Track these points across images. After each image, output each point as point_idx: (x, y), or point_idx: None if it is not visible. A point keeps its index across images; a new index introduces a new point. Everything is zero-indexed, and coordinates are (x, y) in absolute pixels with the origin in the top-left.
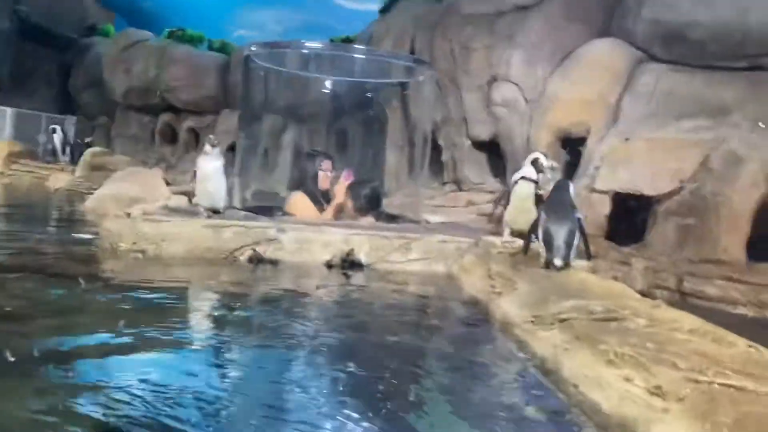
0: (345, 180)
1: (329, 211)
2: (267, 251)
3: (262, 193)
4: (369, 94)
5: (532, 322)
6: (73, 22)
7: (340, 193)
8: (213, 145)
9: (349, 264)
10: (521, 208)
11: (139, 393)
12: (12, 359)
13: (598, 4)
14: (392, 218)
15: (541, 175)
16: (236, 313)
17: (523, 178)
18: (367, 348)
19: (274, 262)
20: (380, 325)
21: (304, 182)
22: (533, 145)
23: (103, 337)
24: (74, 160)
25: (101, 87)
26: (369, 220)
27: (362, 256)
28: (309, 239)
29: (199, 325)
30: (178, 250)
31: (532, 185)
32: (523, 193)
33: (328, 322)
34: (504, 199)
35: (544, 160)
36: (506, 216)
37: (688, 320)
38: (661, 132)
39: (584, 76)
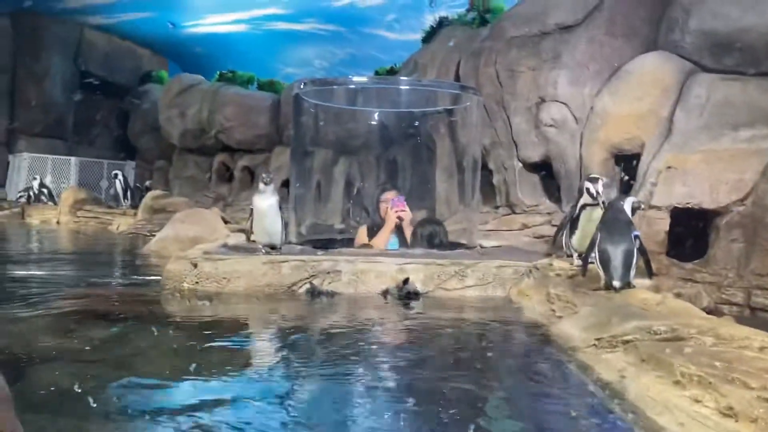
0: (396, 206)
1: (380, 236)
2: (324, 284)
3: (317, 225)
4: (416, 123)
5: (595, 345)
6: (128, 70)
7: (390, 219)
8: (267, 183)
9: (405, 293)
10: (589, 233)
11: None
12: (92, 404)
13: (643, 18)
14: (447, 245)
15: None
16: (298, 351)
17: (586, 205)
18: (430, 379)
19: (330, 294)
20: (441, 352)
21: (367, 214)
22: (587, 163)
23: (180, 382)
24: (135, 204)
25: (158, 131)
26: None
27: (418, 285)
28: (364, 270)
29: (261, 364)
30: (239, 287)
31: (594, 210)
32: (589, 218)
33: (391, 355)
34: (565, 225)
35: (592, 189)
36: (574, 242)
37: (759, 337)
38: (717, 143)
39: (634, 91)
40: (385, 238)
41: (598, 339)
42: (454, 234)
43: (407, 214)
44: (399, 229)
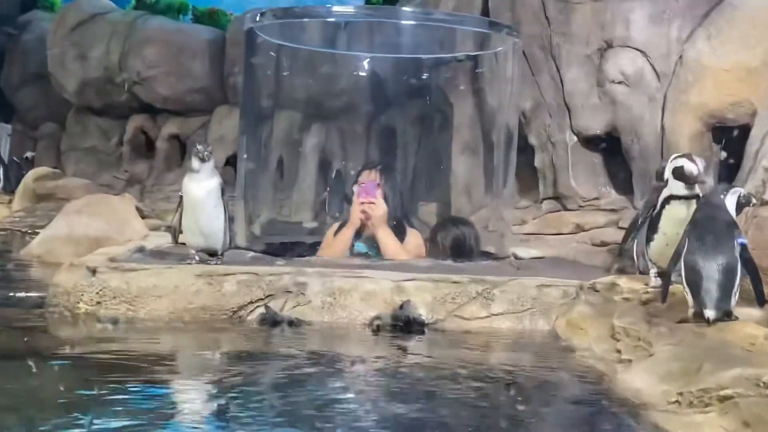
0: (362, 196)
1: (337, 241)
2: (286, 308)
3: (277, 223)
4: (425, 76)
5: (678, 402)
6: None
7: (352, 215)
8: (203, 159)
9: (403, 323)
10: (676, 239)
11: None
12: None
13: None
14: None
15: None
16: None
17: (672, 197)
18: None
19: (295, 324)
20: (456, 422)
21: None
22: (671, 138)
23: None
24: (11, 187)
25: (45, 81)
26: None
27: (422, 311)
28: (343, 289)
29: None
30: (160, 311)
31: (687, 204)
32: (677, 217)
33: None
34: (637, 226)
35: (691, 167)
36: (651, 252)
37: None
38: None
39: (744, 34)
40: (343, 244)
41: (682, 394)
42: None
43: (377, 209)
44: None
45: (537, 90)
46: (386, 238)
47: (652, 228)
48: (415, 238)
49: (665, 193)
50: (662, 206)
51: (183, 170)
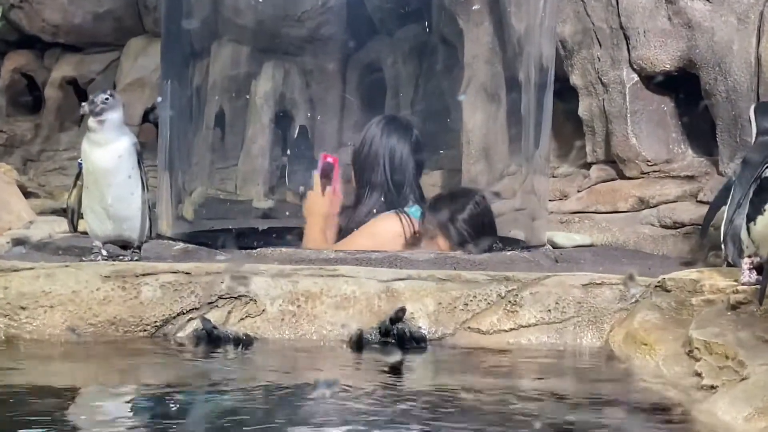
0: (321, 174)
1: (309, 233)
2: (230, 320)
3: (217, 202)
4: None
5: None
6: None
7: (314, 203)
8: (96, 112)
9: (397, 338)
10: None
11: None
12: None
13: None
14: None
15: None
16: None
17: None
18: None
19: (243, 342)
20: None
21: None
22: None
23: None
24: None
25: None
26: (438, 244)
27: (422, 322)
28: (310, 293)
29: None
30: (52, 326)
31: None
32: None
33: None
34: (728, 203)
35: None
36: (754, 232)
37: None
38: None
39: None
40: (316, 234)
41: None
42: (498, 221)
43: (333, 199)
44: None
45: (582, 8)
46: (309, 228)
47: (760, 198)
48: (383, 223)
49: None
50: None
51: (83, 130)
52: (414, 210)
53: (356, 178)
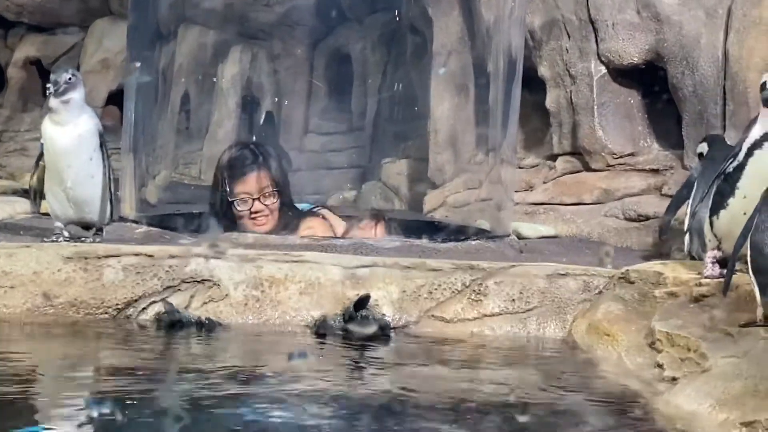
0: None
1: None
2: (193, 304)
3: (181, 186)
4: None
5: None
6: None
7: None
8: (58, 91)
9: (359, 325)
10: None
11: None
12: None
13: None
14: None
15: None
16: None
17: (756, 147)
18: None
19: (206, 326)
20: None
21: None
22: (736, 69)
23: None
24: None
25: None
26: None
27: (386, 309)
28: (275, 278)
29: None
30: (12, 308)
31: None
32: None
33: None
34: (693, 195)
35: None
36: (718, 225)
37: None
38: None
39: None
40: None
41: (750, 423)
42: (463, 210)
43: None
44: None
45: (551, 1)
46: None
47: (726, 189)
48: (318, 224)
49: (756, 132)
50: (749, 154)
51: (43, 110)
52: (305, 205)
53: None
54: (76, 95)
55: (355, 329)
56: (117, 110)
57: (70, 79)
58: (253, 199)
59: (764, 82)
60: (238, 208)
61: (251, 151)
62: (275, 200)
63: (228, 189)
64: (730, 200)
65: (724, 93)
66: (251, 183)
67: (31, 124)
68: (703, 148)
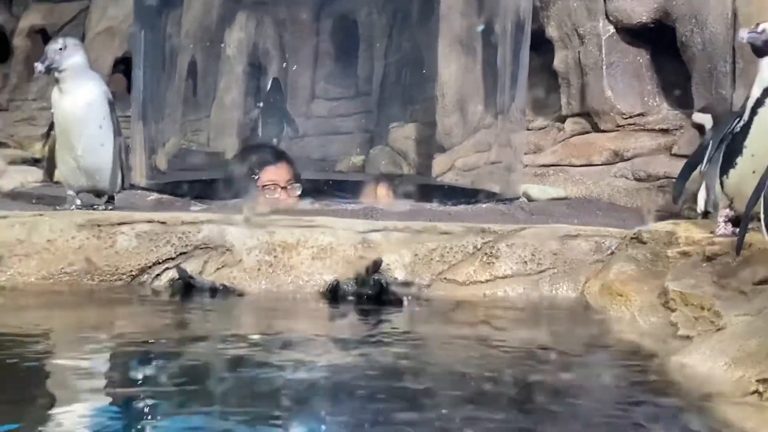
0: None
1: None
2: (206, 270)
3: (190, 153)
4: None
5: (759, 392)
6: None
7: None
8: (52, 65)
9: (373, 290)
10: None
11: None
12: None
13: None
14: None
15: None
16: None
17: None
18: None
19: (220, 292)
20: None
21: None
22: (745, 26)
23: None
24: None
25: None
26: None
27: (399, 273)
28: (288, 244)
29: None
30: (25, 276)
31: None
32: None
33: None
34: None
35: None
36: (727, 183)
37: None
38: None
39: None
40: None
41: (764, 381)
42: (473, 174)
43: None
44: None
45: None
46: None
47: (734, 149)
48: None
49: (756, 91)
50: (753, 113)
51: (53, 79)
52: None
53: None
54: (73, 60)
55: (367, 293)
56: (123, 78)
57: (60, 49)
58: (281, 188)
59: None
60: (266, 195)
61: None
62: (297, 193)
63: (257, 175)
64: (739, 159)
65: (734, 51)
66: (281, 172)
67: (38, 93)
68: (700, 118)
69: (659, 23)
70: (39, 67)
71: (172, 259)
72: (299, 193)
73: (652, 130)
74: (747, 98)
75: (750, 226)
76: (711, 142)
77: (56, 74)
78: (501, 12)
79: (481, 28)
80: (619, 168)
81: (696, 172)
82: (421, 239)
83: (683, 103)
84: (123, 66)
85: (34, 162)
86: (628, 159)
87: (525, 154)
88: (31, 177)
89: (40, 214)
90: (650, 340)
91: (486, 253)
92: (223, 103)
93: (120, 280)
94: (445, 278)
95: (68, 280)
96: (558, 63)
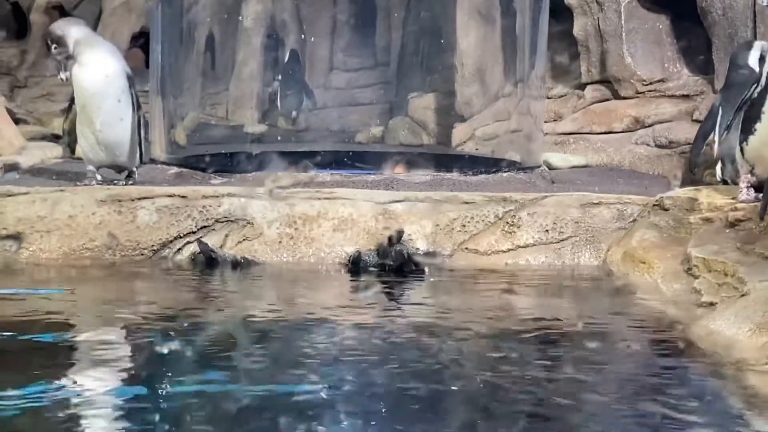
0: None
1: None
2: (228, 244)
3: (210, 127)
4: None
5: None
6: None
7: None
8: (66, 62)
9: (395, 260)
10: None
11: None
12: None
13: None
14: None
15: None
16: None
17: None
18: None
19: (241, 264)
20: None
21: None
22: None
23: None
24: None
25: None
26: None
27: (420, 243)
28: (308, 216)
29: None
30: (48, 251)
31: None
32: None
33: None
34: (725, 120)
35: None
36: (747, 150)
37: None
38: None
39: None
40: None
41: None
42: (493, 143)
43: None
44: None
45: None
46: None
47: (753, 115)
48: None
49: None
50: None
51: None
52: None
53: None
54: (72, 36)
55: (388, 264)
56: (141, 52)
57: (56, 46)
58: None
59: None
60: None
61: None
62: None
63: None
64: (758, 125)
65: (755, 15)
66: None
67: (56, 69)
68: None
69: None
70: (62, 75)
71: (193, 233)
72: None
73: (673, 96)
74: (763, 62)
75: None
76: (720, 108)
77: (75, 46)
78: None
79: None
80: (640, 135)
81: (710, 139)
82: (443, 209)
83: (704, 68)
84: (141, 40)
85: (54, 138)
86: (649, 125)
87: (545, 122)
88: (50, 153)
89: (61, 190)
90: (674, 306)
91: (507, 222)
92: (242, 75)
93: (141, 254)
94: (466, 248)
95: (90, 256)
96: (577, 30)
